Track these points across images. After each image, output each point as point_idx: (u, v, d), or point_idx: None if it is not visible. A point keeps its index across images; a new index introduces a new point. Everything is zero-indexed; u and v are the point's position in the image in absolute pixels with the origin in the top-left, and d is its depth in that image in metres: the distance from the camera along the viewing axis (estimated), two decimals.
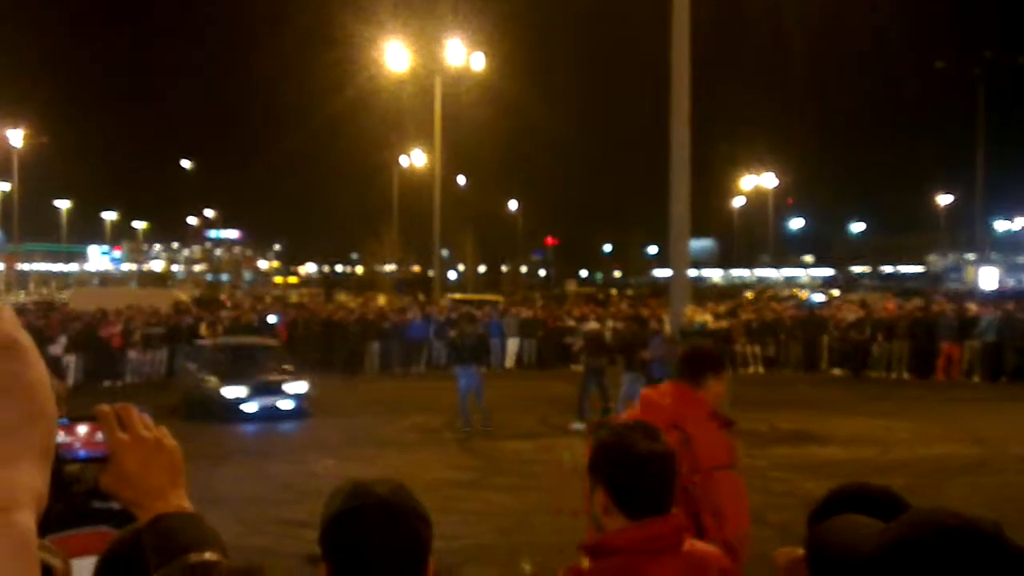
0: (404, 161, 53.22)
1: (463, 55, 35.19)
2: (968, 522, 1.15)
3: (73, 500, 2.82)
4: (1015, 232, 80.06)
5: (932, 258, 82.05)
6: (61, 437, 1.47)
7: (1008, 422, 15.72)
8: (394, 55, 35.71)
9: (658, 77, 16.69)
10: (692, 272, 25.19)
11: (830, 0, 59.83)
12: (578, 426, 15.47)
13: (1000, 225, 79.72)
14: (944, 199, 74.08)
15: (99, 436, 1.48)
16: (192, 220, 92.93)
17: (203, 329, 25.34)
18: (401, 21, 37.14)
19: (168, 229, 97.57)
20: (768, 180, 74.90)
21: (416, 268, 63.33)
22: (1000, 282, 57.15)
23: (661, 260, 74.13)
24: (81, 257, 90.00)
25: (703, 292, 52.09)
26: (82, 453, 1.51)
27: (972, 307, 24.54)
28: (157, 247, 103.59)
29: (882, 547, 1.18)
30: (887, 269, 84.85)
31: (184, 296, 36.17)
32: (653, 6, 17.57)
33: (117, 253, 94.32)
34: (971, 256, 68.87)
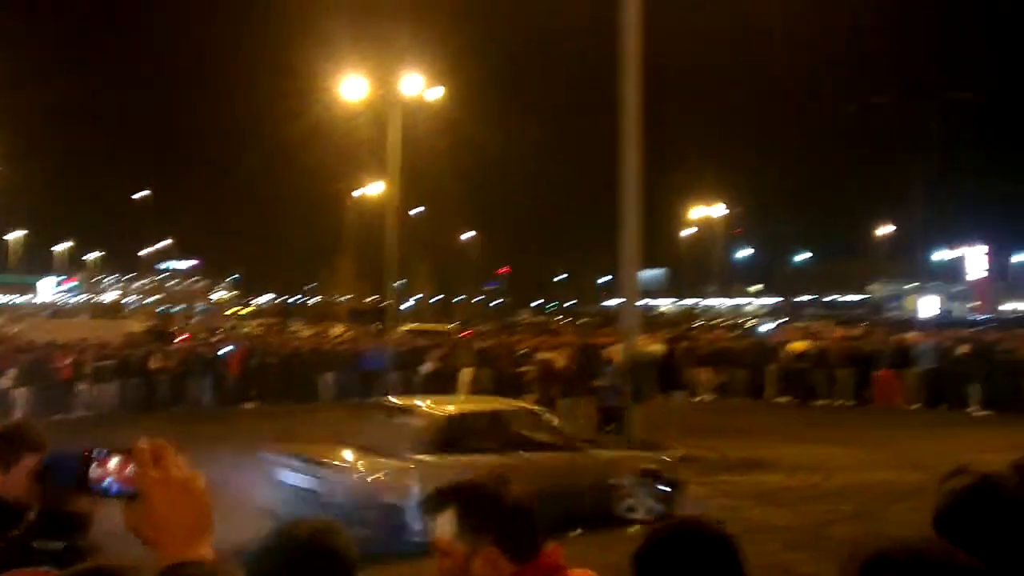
0: (359, 191, 53.36)
1: (420, 86, 35.53)
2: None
3: (12, 540, 2.78)
4: (953, 261, 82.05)
5: (874, 287, 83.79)
6: (95, 470, 1.43)
7: (948, 448, 16.15)
8: (351, 85, 35.93)
9: (610, 109, 17.11)
10: (643, 301, 25.66)
11: (777, 36, 61.36)
12: None
13: (939, 254, 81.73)
14: (885, 229, 75.89)
15: (131, 470, 1.43)
16: (146, 251, 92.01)
17: (154, 361, 25.20)
18: (358, 52, 37.46)
19: (122, 260, 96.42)
20: (717, 211, 76.21)
21: (371, 298, 63.26)
22: (940, 310, 58.59)
23: (613, 289, 74.84)
24: (33, 289, 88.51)
25: (654, 321, 52.67)
26: (114, 488, 1.43)
27: (912, 335, 25.23)
28: (110, 278, 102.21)
29: None
30: (830, 297, 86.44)
31: (136, 327, 35.83)
32: (605, 41, 18.04)
33: (70, 284, 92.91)
34: (911, 285, 70.48)
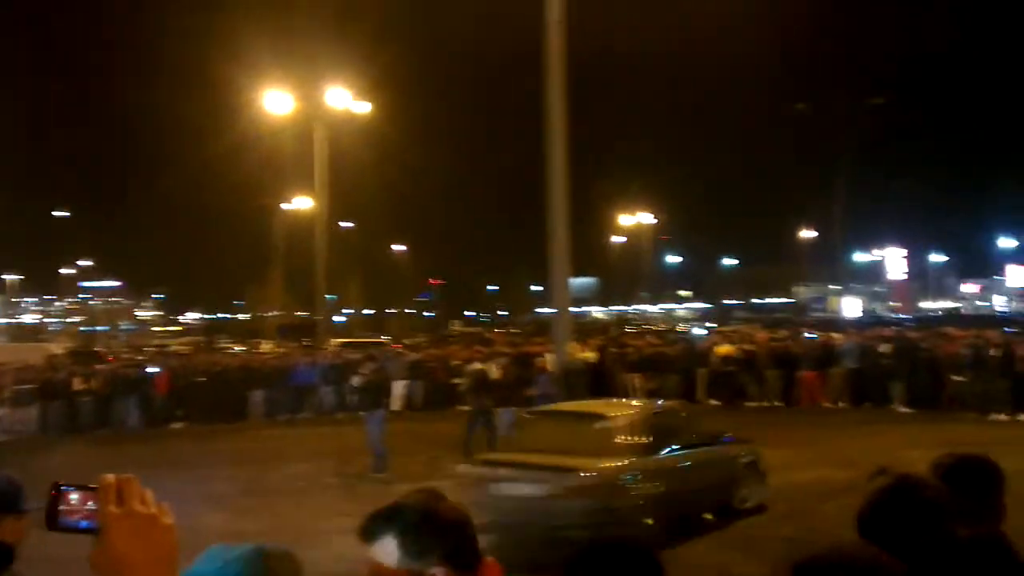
0: (287, 206, 52.78)
1: (345, 100, 35.34)
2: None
3: None
4: (873, 263, 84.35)
5: (798, 289, 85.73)
6: (63, 505, 1.39)
7: (875, 445, 16.56)
8: (275, 100, 35.58)
9: (536, 120, 17.24)
10: (574, 309, 25.87)
11: (702, 45, 62.48)
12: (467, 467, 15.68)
13: (859, 257, 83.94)
14: (807, 234, 77.72)
15: (90, 504, 1.39)
16: (66, 271, 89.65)
17: (77, 383, 24.56)
18: (283, 67, 37.07)
19: (41, 281, 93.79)
20: (645, 218, 77.18)
21: (301, 313, 62.52)
22: (862, 310, 60.07)
23: (545, 298, 75.12)
24: None
25: (586, 328, 53.05)
26: (83, 523, 1.38)
27: (835, 335, 25.80)
28: (29, 300, 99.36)
29: None
30: (757, 301, 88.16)
31: (58, 349, 34.89)
32: (530, 52, 18.17)
33: None
34: (833, 287, 72.24)
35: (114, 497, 1.36)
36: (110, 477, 1.38)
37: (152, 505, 1.39)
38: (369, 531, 2.12)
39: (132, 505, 1.37)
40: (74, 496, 1.39)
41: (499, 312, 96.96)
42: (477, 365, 20.37)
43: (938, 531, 2.08)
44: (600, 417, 11.26)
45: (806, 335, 27.46)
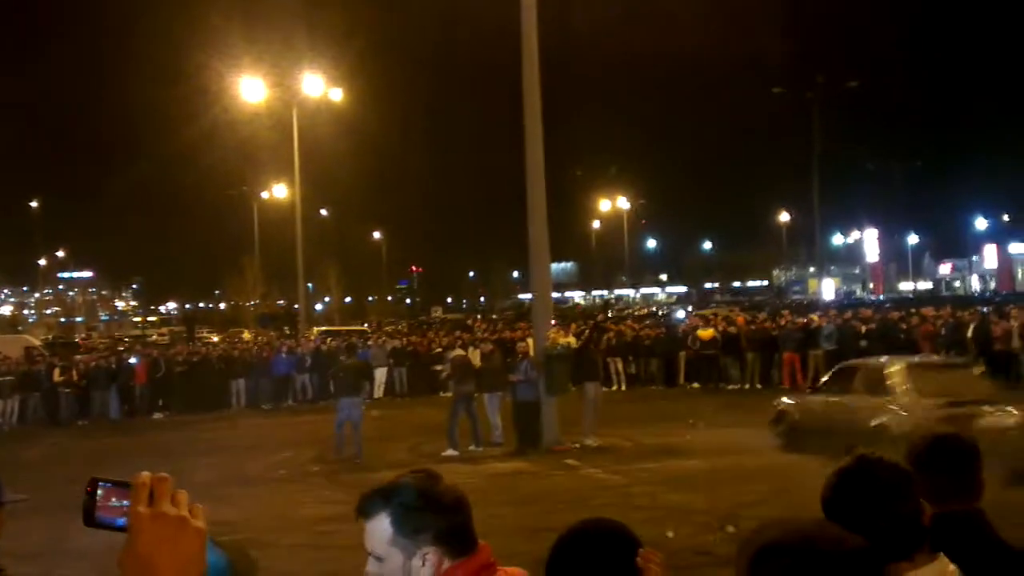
0: (265, 194, 52.52)
1: (320, 88, 35.15)
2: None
3: None
4: (849, 245, 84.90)
5: (776, 272, 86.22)
6: (100, 502, 1.37)
7: None
8: (250, 87, 35.34)
9: (514, 105, 17.19)
10: (554, 294, 25.92)
11: (677, 30, 62.50)
12: (451, 452, 15.72)
13: (837, 239, 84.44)
14: (784, 217, 78.06)
15: (113, 501, 1.36)
16: (42, 261, 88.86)
17: (56, 374, 24.42)
18: (256, 54, 36.82)
19: (17, 272, 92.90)
20: (622, 203, 77.35)
21: (280, 302, 62.34)
22: (837, 292, 60.39)
23: (524, 284, 75.17)
24: None
25: (566, 313, 53.15)
26: (120, 521, 1.35)
27: (815, 317, 25.97)
28: (6, 291, 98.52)
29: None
30: (736, 284, 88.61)
31: (36, 341, 34.64)
32: (507, 37, 18.11)
33: None
34: (811, 269, 72.68)
35: (145, 497, 1.32)
36: (145, 476, 1.34)
37: (184, 507, 1.34)
38: (365, 508, 2.14)
39: (162, 506, 1.32)
40: (111, 494, 1.37)
41: (479, 298, 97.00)
42: (459, 351, 20.43)
43: (898, 509, 2.12)
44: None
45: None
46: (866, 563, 1.45)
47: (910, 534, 2.10)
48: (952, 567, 2.13)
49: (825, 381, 15.52)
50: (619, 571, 2.12)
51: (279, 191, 49.18)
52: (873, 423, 12.44)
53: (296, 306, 41.46)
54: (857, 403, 13.46)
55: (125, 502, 1.35)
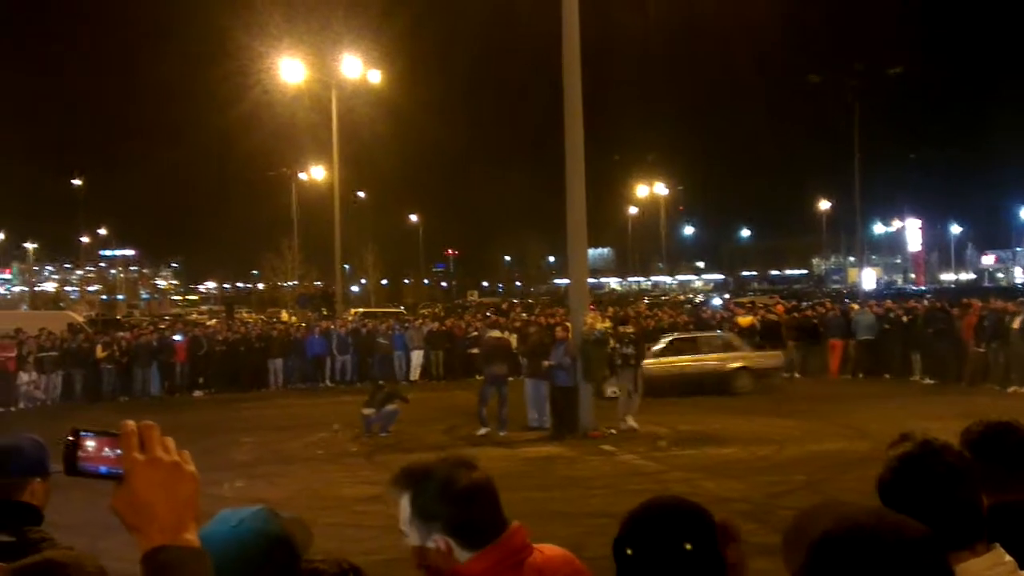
0: (303, 176, 52.79)
1: (359, 70, 35.21)
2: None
3: None
4: (891, 234, 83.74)
5: (815, 261, 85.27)
6: (83, 451, 1.39)
7: (890, 417, 16.52)
8: (290, 69, 35.50)
9: (553, 90, 17.13)
10: (590, 280, 25.81)
11: (716, 16, 61.86)
12: (484, 431, 15.83)
13: (878, 228, 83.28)
14: (824, 205, 77.05)
15: (106, 451, 1.40)
16: (85, 239, 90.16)
17: (99, 351, 24.78)
18: (296, 36, 36.97)
19: (60, 249, 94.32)
20: (660, 189, 76.86)
21: (318, 283, 62.73)
22: (879, 282, 59.69)
23: (560, 269, 75.09)
24: None
25: (602, 299, 53.01)
26: (103, 469, 1.38)
27: (854, 307, 25.68)
28: (49, 268, 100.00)
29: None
30: (774, 272, 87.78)
31: (79, 317, 35.17)
32: (546, 21, 18.02)
33: (7, 275, 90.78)
34: (851, 258, 71.83)
35: (137, 444, 1.37)
36: (131, 424, 1.39)
37: (174, 452, 1.40)
38: (395, 485, 2.21)
39: (155, 452, 1.38)
40: (91, 443, 1.40)
41: (515, 283, 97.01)
42: (495, 333, 20.36)
43: (962, 497, 2.08)
44: None
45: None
46: (929, 552, 1.43)
47: (972, 523, 2.07)
48: (1008, 558, 2.10)
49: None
50: (702, 558, 2.04)
51: (318, 173, 49.43)
52: None
53: (333, 287, 41.69)
54: None
55: (107, 450, 1.39)
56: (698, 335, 23.12)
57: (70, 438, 1.40)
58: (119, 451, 1.38)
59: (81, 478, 1.40)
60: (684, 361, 20.95)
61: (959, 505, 2.05)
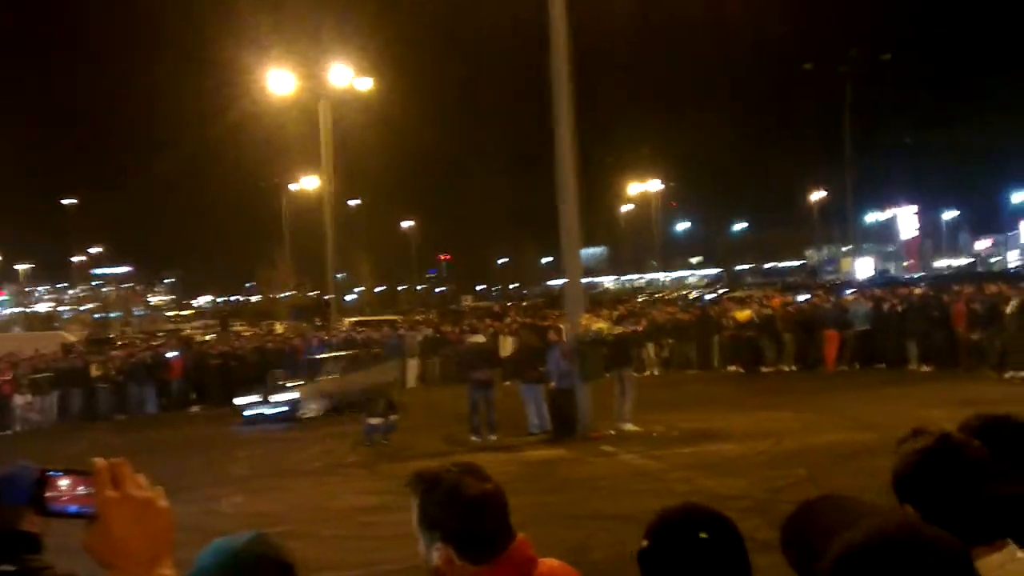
0: (294, 186, 52.69)
1: (348, 77, 35.14)
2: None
3: None
4: (885, 222, 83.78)
5: (809, 252, 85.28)
6: (51, 490, 1.38)
7: (888, 407, 16.49)
8: (278, 79, 35.42)
9: (542, 91, 17.10)
10: (585, 280, 25.79)
11: (704, 8, 61.91)
12: (474, 439, 15.75)
13: (871, 217, 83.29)
14: (817, 195, 77.02)
15: (80, 490, 1.38)
16: (77, 258, 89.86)
17: (94, 370, 24.68)
18: (283, 45, 36.89)
19: (53, 269, 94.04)
20: (653, 186, 76.83)
21: (312, 293, 62.64)
22: (874, 270, 59.73)
23: (555, 270, 74.97)
24: None
25: (597, 298, 52.96)
26: (73, 508, 1.37)
27: (849, 297, 25.63)
28: (41, 289, 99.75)
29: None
30: (769, 265, 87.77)
31: (72, 337, 35.04)
32: (534, 24, 18.00)
33: (2, 297, 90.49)
34: (845, 248, 71.90)
35: (109, 481, 1.36)
36: (102, 461, 1.38)
37: (147, 488, 1.39)
38: (408, 488, 2.24)
39: (128, 489, 1.37)
40: (64, 482, 1.39)
41: (510, 285, 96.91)
42: (476, 338, 19.84)
43: (982, 492, 2.04)
44: None
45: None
46: (961, 566, 1.37)
47: (992, 518, 2.03)
48: (1021, 553, 2.06)
49: None
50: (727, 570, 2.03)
51: (309, 182, 49.33)
52: None
53: (327, 297, 41.60)
54: None
55: (80, 489, 1.38)
56: None
57: (37, 479, 1.38)
58: (91, 489, 1.37)
59: (54, 518, 1.39)
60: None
61: (983, 501, 2.02)
